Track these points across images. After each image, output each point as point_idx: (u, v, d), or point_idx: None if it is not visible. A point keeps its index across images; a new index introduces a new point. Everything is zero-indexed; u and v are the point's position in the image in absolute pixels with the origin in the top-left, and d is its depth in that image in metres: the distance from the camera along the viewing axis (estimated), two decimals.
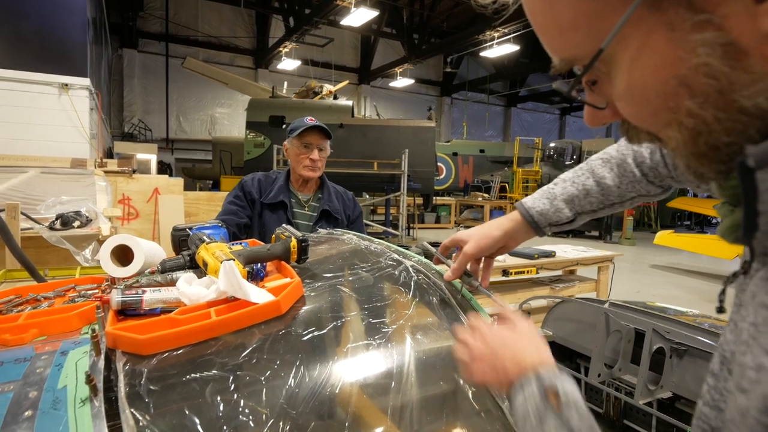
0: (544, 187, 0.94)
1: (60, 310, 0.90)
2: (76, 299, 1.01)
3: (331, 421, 0.71)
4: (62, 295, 1.06)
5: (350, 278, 1.01)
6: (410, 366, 0.78)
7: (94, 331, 0.76)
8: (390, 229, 10.73)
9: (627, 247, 11.73)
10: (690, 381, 1.93)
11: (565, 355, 2.49)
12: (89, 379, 0.66)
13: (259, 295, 0.84)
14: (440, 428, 0.76)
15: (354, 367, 0.78)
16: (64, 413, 0.64)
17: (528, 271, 4.29)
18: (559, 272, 4.95)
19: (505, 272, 4.12)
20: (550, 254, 4.47)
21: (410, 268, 1.01)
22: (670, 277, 8.36)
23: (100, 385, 0.68)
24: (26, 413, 0.63)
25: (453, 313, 0.88)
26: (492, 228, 0.92)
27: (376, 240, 1.27)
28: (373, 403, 0.74)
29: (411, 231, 12.68)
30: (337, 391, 0.72)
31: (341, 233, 1.45)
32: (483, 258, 0.94)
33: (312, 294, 0.93)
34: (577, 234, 13.44)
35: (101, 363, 0.73)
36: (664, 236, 8.63)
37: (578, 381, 2.27)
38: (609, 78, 0.44)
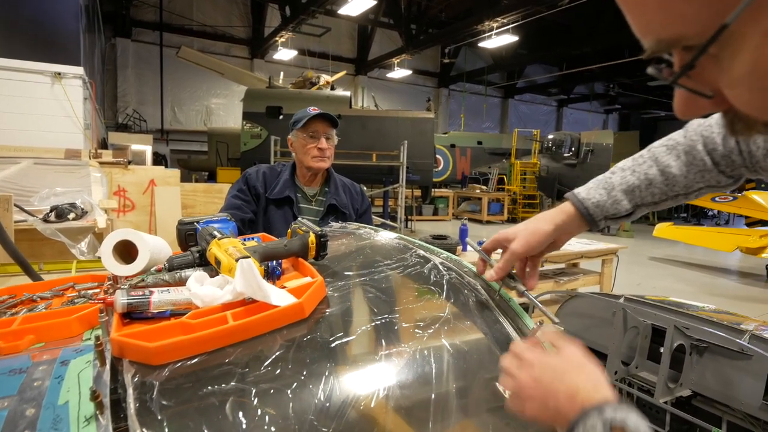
0: (600, 177, 0.85)
1: (59, 313, 0.82)
2: (75, 300, 0.93)
3: None
4: (60, 295, 0.98)
5: (375, 276, 0.93)
6: (450, 375, 0.70)
7: (97, 338, 0.68)
8: (388, 222, 10.65)
9: (625, 239, 11.71)
10: (710, 378, 1.88)
11: None
12: (94, 395, 0.58)
13: (279, 296, 0.76)
14: None
15: (389, 377, 0.70)
16: None
17: None
18: (563, 265, 4.90)
19: None
20: None
21: (440, 266, 0.93)
22: (669, 269, 8.35)
23: (107, 401, 0.60)
24: None
25: (492, 315, 0.80)
26: (542, 222, 0.84)
27: (394, 234, 1.19)
28: (411, 418, 0.66)
29: (409, 223, 12.61)
30: (372, 405, 0.65)
31: (357, 227, 1.37)
32: (528, 257, 0.86)
33: (335, 294, 0.85)
34: None
35: (107, 375, 0.65)
36: (663, 228, 8.62)
37: None
38: (715, 60, 0.36)
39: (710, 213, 17.78)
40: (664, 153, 0.81)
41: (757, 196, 8.60)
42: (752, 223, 10.06)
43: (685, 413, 1.91)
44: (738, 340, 1.76)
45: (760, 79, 0.35)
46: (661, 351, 1.96)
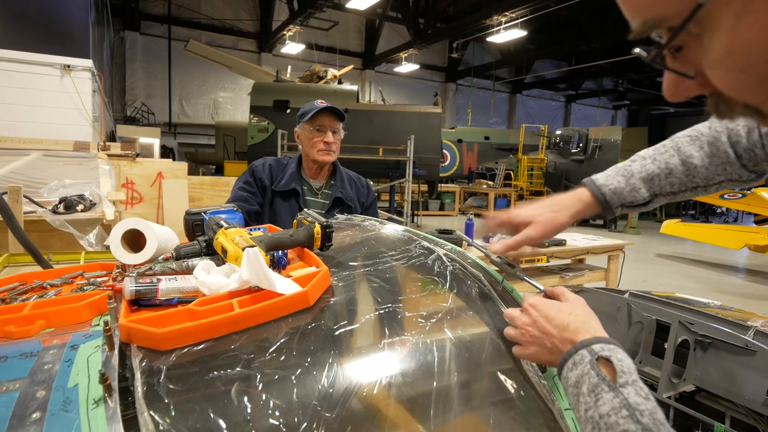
0: (619, 164, 0.86)
1: (68, 299, 0.84)
2: (84, 287, 0.94)
3: (369, 425, 0.64)
4: (70, 283, 0.99)
5: (380, 267, 0.93)
6: (452, 363, 0.71)
7: (106, 323, 0.69)
8: (395, 216, 10.66)
9: (632, 236, 11.65)
10: (714, 374, 1.87)
11: None
12: (103, 378, 0.60)
13: (285, 285, 0.77)
14: None
15: (391, 365, 0.71)
16: (75, 415, 0.58)
17: (538, 260, 4.22)
18: (568, 261, 4.89)
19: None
20: (561, 243, 4.40)
21: (444, 257, 0.94)
22: (676, 267, 8.30)
23: (115, 384, 0.62)
24: (34, 415, 0.57)
25: (494, 305, 0.81)
26: (559, 213, 0.84)
27: (400, 226, 1.20)
28: (414, 406, 0.67)
29: (415, 218, 12.60)
30: (375, 392, 0.66)
31: (362, 219, 1.37)
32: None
33: (340, 284, 0.86)
34: (581, 222, 13.34)
35: (115, 359, 0.66)
36: (671, 225, 8.55)
37: None
38: (699, 42, 0.38)
39: (719, 210, 17.64)
40: (687, 143, 0.81)
41: (766, 193, 8.51)
42: (761, 220, 9.96)
43: (688, 408, 1.91)
44: (743, 336, 1.76)
45: (735, 60, 0.35)
46: (665, 346, 1.95)
